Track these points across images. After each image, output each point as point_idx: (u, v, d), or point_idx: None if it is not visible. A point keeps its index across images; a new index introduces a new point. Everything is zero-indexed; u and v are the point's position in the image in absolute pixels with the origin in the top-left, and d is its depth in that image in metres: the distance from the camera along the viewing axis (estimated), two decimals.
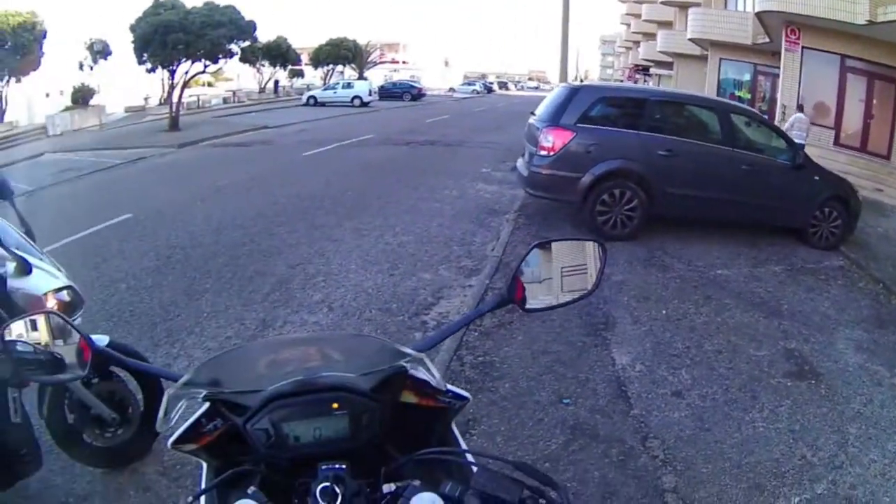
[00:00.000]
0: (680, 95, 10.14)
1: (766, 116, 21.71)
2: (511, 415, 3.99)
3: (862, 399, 4.74)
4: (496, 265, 6.33)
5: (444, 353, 4.34)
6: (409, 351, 1.24)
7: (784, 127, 13.07)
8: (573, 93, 8.01)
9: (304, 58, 56.38)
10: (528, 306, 1.51)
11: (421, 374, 1.24)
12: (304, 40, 57.47)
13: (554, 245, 1.59)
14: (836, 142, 17.56)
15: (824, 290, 7.28)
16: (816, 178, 8.79)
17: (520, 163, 8.33)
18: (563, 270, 1.61)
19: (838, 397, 4.63)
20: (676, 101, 9.10)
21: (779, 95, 18.71)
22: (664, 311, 5.74)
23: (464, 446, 1.29)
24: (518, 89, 80.00)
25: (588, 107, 7.84)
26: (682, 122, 8.41)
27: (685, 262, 7.31)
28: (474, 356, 4.48)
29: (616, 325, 5.32)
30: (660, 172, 7.75)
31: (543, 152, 7.69)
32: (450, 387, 1.27)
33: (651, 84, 49.35)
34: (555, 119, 7.82)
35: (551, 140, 7.65)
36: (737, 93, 26.90)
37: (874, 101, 17.49)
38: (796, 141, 9.93)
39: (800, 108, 14.29)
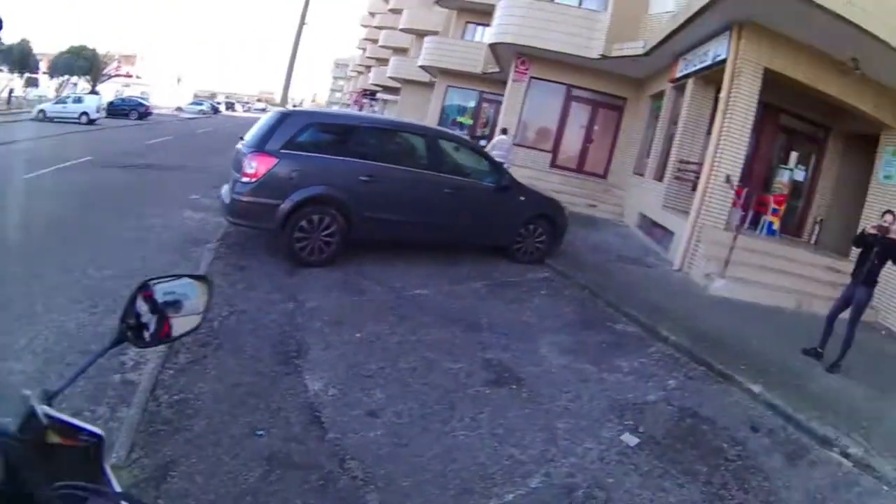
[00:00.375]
0: (388, 122, 11.50)
1: (484, 141, 23.79)
2: (208, 452, 4.10)
3: (568, 396, 5.50)
4: None
5: (141, 394, 4.47)
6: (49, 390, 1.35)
7: (487, 148, 15.53)
8: (282, 118, 8.52)
9: (44, 65, 51.72)
10: (141, 342, 1.68)
11: (60, 414, 1.31)
12: (49, 45, 54.34)
13: (161, 283, 1.72)
14: (553, 164, 21.04)
15: (527, 301, 8.34)
16: (522, 198, 10.20)
17: (224, 190, 8.93)
18: (170, 307, 1.74)
19: (542, 398, 5.34)
20: (384, 127, 10.12)
21: (499, 121, 21.53)
22: (358, 335, 6.15)
23: (116, 488, 1.34)
24: (245, 111, 79.57)
25: (295, 133, 8.30)
26: (389, 148, 9.26)
27: (383, 284, 8.04)
28: (170, 395, 4.56)
29: (309, 351, 5.63)
30: (359, 197, 8.41)
31: (246, 179, 8.04)
32: (85, 425, 1.34)
33: (377, 108, 52.08)
34: (260, 145, 8.20)
35: (254, 166, 8.01)
36: (459, 119, 31.07)
37: (596, 127, 21.28)
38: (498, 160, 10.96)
39: (503, 132, 16.91)
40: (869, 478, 5.44)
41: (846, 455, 5.70)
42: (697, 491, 4.54)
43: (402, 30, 41.38)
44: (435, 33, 33.87)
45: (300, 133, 8.35)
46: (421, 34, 35.98)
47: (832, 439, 5.86)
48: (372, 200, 8.54)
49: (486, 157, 10.42)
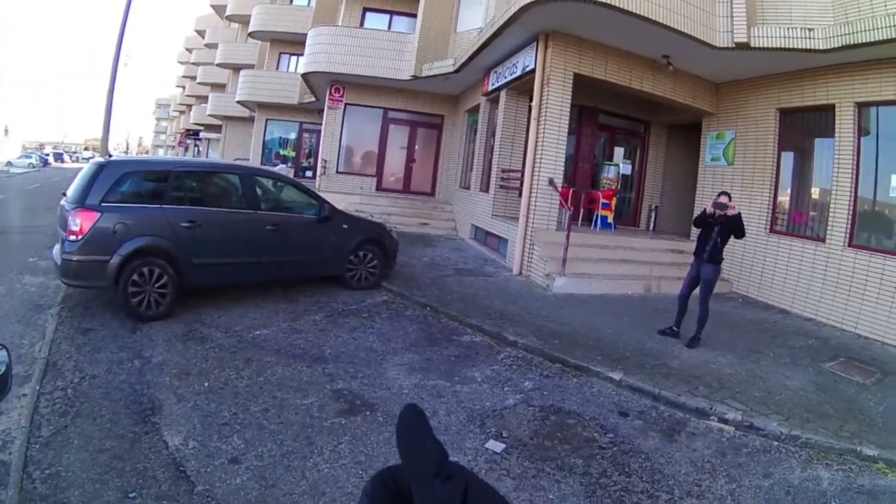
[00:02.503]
0: (203, 164, 10.75)
1: (309, 172, 22.96)
2: None
3: (425, 413, 4.62)
4: (44, 367, 6.07)
5: (15, 474, 4.20)
6: None
7: None
8: (98, 170, 7.98)
9: None
10: None
11: None
12: None
13: None
14: (379, 187, 20.95)
15: (369, 327, 8.16)
16: (345, 226, 10.01)
17: (55, 250, 8.35)
18: None
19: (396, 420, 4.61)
20: (200, 170, 9.54)
21: (320, 150, 21.28)
22: (206, 384, 5.89)
23: None
24: (73, 161, 73.82)
25: (113, 184, 7.86)
26: (207, 191, 8.99)
27: (223, 329, 7.63)
28: (41, 470, 4.29)
29: (163, 407, 5.37)
30: (185, 245, 8.09)
31: (72, 237, 7.54)
32: None
33: (201, 149, 49.34)
34: (81, 200, 7.74)
35: (78, 223, 7.54)
36: (282, 152, 30.43)
37: (416, 147, 21.41)
38: None
39: (283, 161, 15.66)
40: (755, 437, 5.61)
41: (725, 421, 5.83)
42: (577, 483, 4.52)
43: (218, 65, 39.54)
44: (250, 66, 33.20)
45: (119, 184, 7.91)
46: (237, 68, 35.05)
47: (707, 409, 5.98)
48: (198, 246, 8.26)
49: (304, 189, 10.07)
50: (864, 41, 9.18)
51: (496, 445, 4.99)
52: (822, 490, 4.77)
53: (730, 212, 7.80)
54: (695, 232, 8.82)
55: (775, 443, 5.50)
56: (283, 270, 9.40)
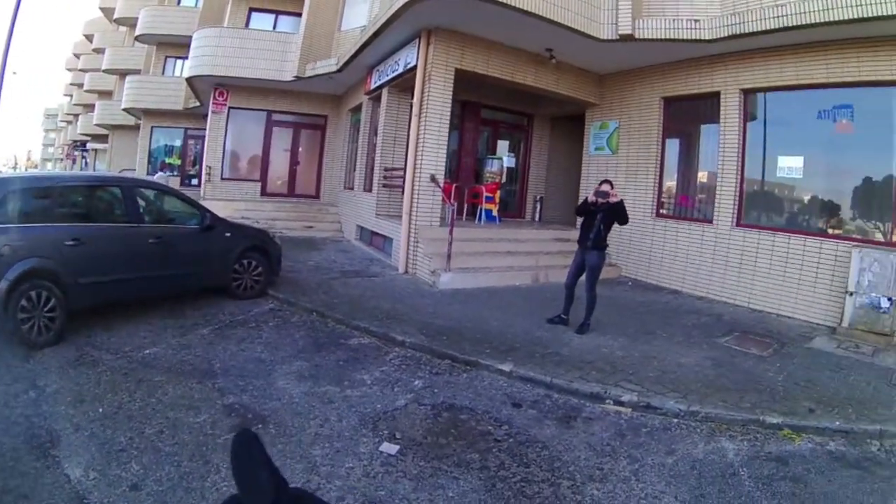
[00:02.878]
0: (85, 178, 9.99)
1: (195, 180, 21.84)
2: None
3: (317, 422, 5.27)
4: None
5: None
6: None
7: None
8: None
9: None
10: None
11: None
12: None
13: None
14: (264, 192, 20.16)
15: (256, 337, 7.80)
16: (228, 234, 9.56)
17: None
18: None
19: (291, 430, 5.10)
20: (82, 185, 8.82)
21: (205, 157, 20.36)
22: (101, 409, 5.48)
23: None
24: None
25: None
26: (90, 206, 8.36)
27: (114, 351, 7.10)
28: None
29: (60, 438, 4.95)
30: (70, 264, 7.44)
31: None
32: None
33: (88, 161, 46.84)
34: None
35: None
36: (167, 160, 28.62)
37: (300, 149, 20.78)
38: None
39: (164, 169, 14.78)
40: (654, 417, 5.55)
41: (621, 404, 5.71)
42: (475, 478, 4.36)
43: (105, 71, 36.72)
44: (138, 72, 30.31)
45: (2, 203, 7.31)
46: (124, 74, 31.76)
47: (601, 393, 5.86)
48: (83, 265, 7.59)
49: (186, 198, 9.63)
50: (751, 31, 9.38)
51: (390, 447, 4.81)
52: (728, 461, 4.72)
53: (612, 199, 7.81)
54: (579, 221, 8.70)
55: (675, 420, 5.45)
56: (170, 284, 8.90)
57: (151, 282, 8.49)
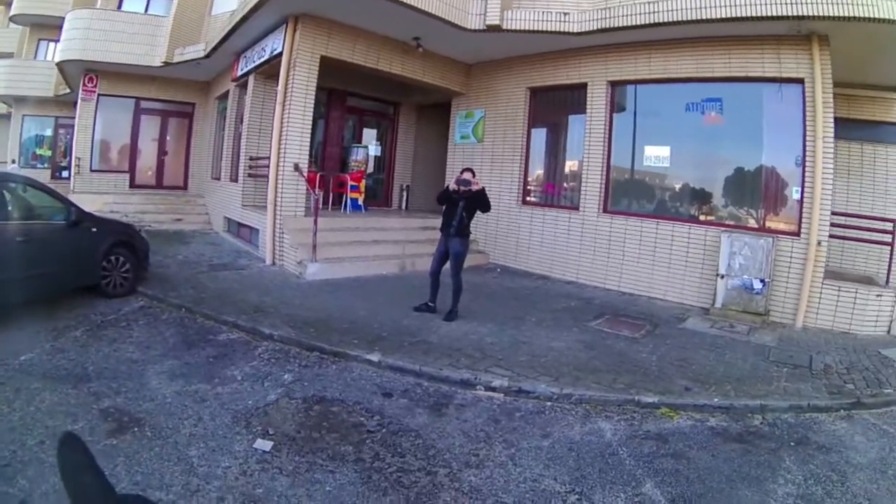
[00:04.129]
0: None
1: (66, 172, 20.75)
2: None
3: (191, 421, 5.00)
4: None
5: None
6: None
7: None
8: None
9: None
10: None
11: None
12: None
13: None
14: (133, 184, 18.50)
15: (127, 336, 7.28)
16: (94, 229, 8.71)
17: None
18: None
19: (166, 431, 4.80)
20: None
21: (74, 148, 18.48)
22: None
23: None
24: None
25: None
26: None
27: None
28: None
29: None
30: None
31: None
32: None
33: None
34: None
35: None
36: (38, 151, 25.65)
37: (168, 138, 19.31)
38: None
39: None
40: (527, 401, 5.40)
41: (492, 389, 5.53)
42: (350, 471, 4.18)
43: None
44: (11, 55, 27.26)
45: None
46: None
47: (471, 379, 5.67)
48: None
49: (51, 192, 8.78)
50: (621, 25, 9.34)
51: (264, 444, 4.59)
52: (606, 441, 4.64)
53: (474, 188, 7.65)
54: (443, 208, 8.56)
55: (548, 403, 5.30)
56: (40, 285, 8.01)
57: (23, 283, 7.60)
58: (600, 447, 4.55)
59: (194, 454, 4.40)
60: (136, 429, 4.85)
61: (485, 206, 7.80)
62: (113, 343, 7.02)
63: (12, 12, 25.32)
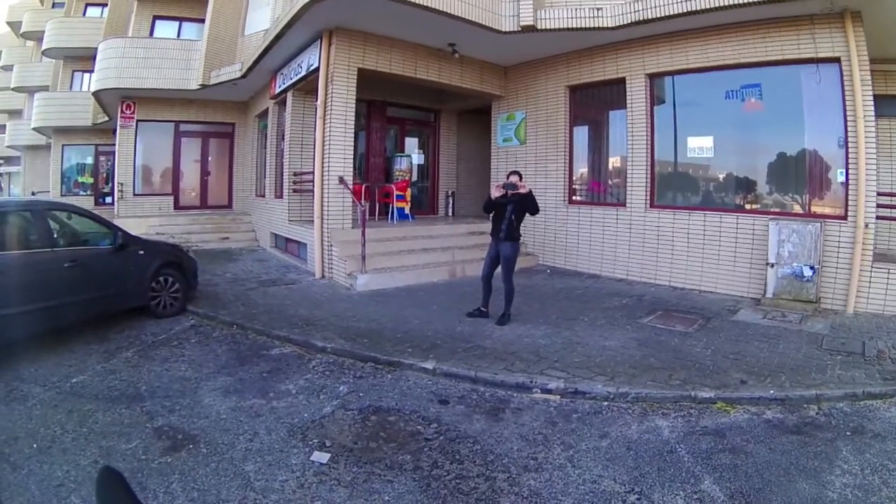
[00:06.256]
0: None
1: (109, 198, 21.61)
2: None
3: (246, 436, 5.10)
4: None
5: None
6: None
7: None
8: None
9: None
10: None
11: None
12: None
13: None
14: (177, 206, 19.31)
15: (179, 355, 7.46)
16: (141, 252, 9.06)
17: None
18: None
19: (222, 447, 4.91)
20: None
21: (116, 173, 19.31)
22: (35, 445, 5.14)
23: None
24: None
25: None
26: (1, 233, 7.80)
27: (41, 383, 6.67)
28: None
29: (0, 479, 4.62)
30: None
31: None
32: None
33: (2, 185, 44.57)
34: None
35: None
36: (80, 179, 26.79)
37: (210, 159, 20.05)
38: None
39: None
40: (583, 402, 5.41)
41: (549, 391, 5.57)
42: (409, 480, 4.22)
43: (14, 88, 34.86)
44: (46, 88, 28.81)
45: None
46: (33, 91, 30.06)
47: (527, 383, 5.72)
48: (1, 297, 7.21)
49: (97, 218, 9.11)
50: (654, 16, 9.34)
51: (321, 456, 4.63)
52: (664, 439, 4.65)
53: (521, 191, 7.72)
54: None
55: (605, 403, 5.33)
56: (89, 308, 8.32)
57: (72, 307, 7.93)
58: (658, 445, 4.57)
59: (251, 469, 4.53)
60: (190, 446, 4.98)
61: (533, 208, 7.85)
62: (165, 362, 7.22)
63: (44, 46, 26.54)
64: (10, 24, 38.94)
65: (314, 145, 12.14)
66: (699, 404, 5.21)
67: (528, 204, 7.80)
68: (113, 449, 5.01)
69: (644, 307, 8.73)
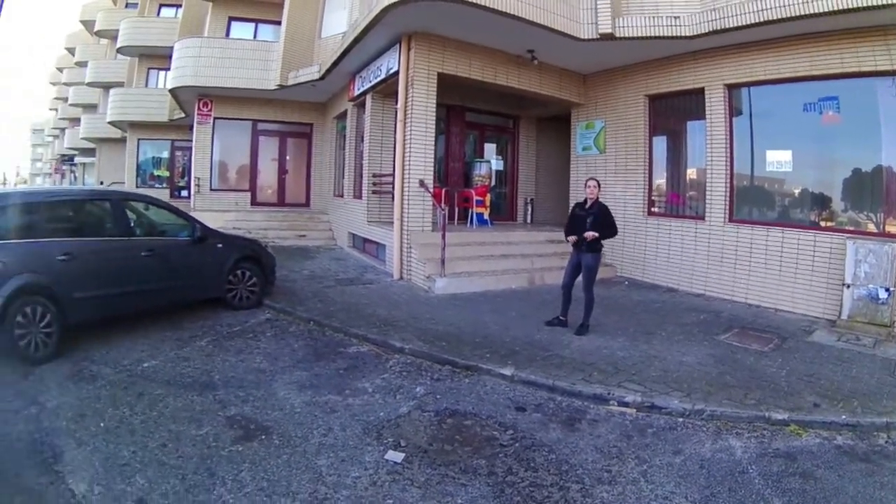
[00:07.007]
0: (72, 192, 10.07)
1: (185, 192, 23.02)
2: None
3: (320, 431, 5.26)
4: None
5: None
6: None
7: None
8: None
9: None
10: None
11: None
12: None
13: None
14: (254, 202, 20.16)
15: (255, 347, 7.81)
16: (220, 245, 9.61)
17: None
18: None
19: (295, 440, 5.09)
20: (69, 199, 8.82)
21: (193, 168, 20.26)
22: (102, 424, 5.45)
23: None
24: None
25: None
26: (80, 220, 8.29)
27: (112, 365, 7.06)
28: None
29: (63, 454, 4.91)
30: (64, 279, 7.42)
31: None
32: None
33: (77, 175, 46.98)
34: None
35: None
36: (155, 172, 28.71)
37: (287, 158, 20.84)
38: None
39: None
40: (659, 416, 5.55)
41: (625, 404, 5.73)
42: (483, 485, 4.34)
43: (88, 84, 36.70)
44: (121, 84, 30.54)
45: None
46: (108, 87, 32.01)
47: (604, 395, 5.88)
48: (76, 280, 7.55)
49: (176, 210, 9.62)
50: (731, 26, 9.44)
51: (396, 456, 4.77)
52: (736, 459, 4.73)
53: (589, 197, 8.03)
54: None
55: (680, 419, 5.46)
56: (165, 296, 8.88)
57: (147, 295, 8.48)
58: (730, 465, 4.62)
59: (323, 463, 4.65)
60: (263, 436, 5.16)
61: (610, 229, 8.05)
62: (240, 353, 7.50)
63: (119, 44, 28.19)
64: (83, 22, 41.40)
65: (394, 148, 12.57)
66: (772, 426, 5.28)
67: (605, 222, 7.96)
68: (182, 434, 5.25)
69: (721, 324, 8.75)
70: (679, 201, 12.04)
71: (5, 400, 6.11)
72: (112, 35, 32.38)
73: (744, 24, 9.26)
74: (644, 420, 5.45)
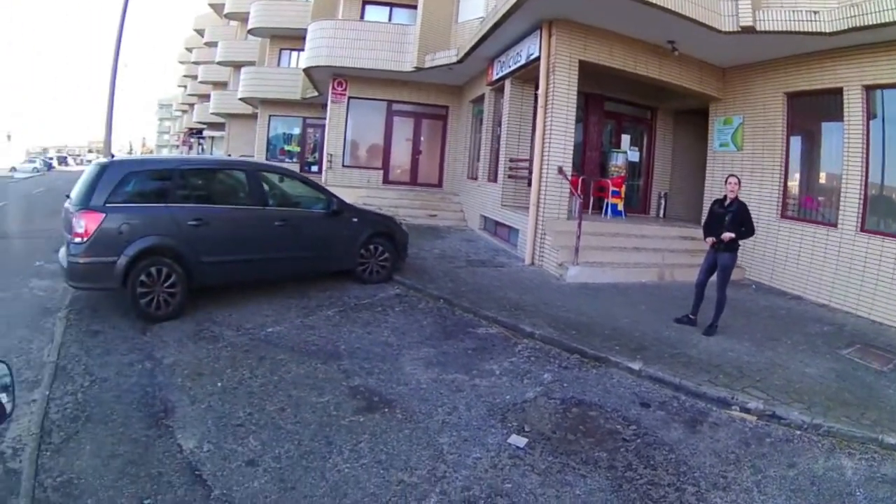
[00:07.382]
0: (207, 161, 11.13)
1: (315, 167, 24.77)
2: None
3: (445, 409, 5.41)
4: (54, 371, 6.02)
5: (26, 482, 4.12)
6: None
7: None
8: (102, 171, 7.96)
9: None
10: None
11: None
12: None
13: None
14: (386, 180, 21.09)
15: (382, 321, 8.16)
16: (355, 219, 10.08)
17: (61, 253, 8.28)
18: None
19: (418, 416, 5.26)
20: (204, 167, 9.64)
21: (325, 145, 21.48)
22: (219, 384, 5.86)
23: None
24: (78, 164, 74.14)
25: (117, 184, 7.84)
26: (213, 188, 9.04)
27: (234, 328, 7.62)
28: (53, 478, 4.20)
29: (175, 409, 5.31)
30: (192, 243, 8.12)
31: (77, 239, 7.53)
32: None
33: (204, 147, 51.90)
34: (85, 201, 7.70)
35: (83, 225, 7.52)
36: (286, 147, 30.66)
37: (422, 139, 21.56)
38: None
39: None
40: (778, 427, 5.60)
41: (747, 411, 5.83)
42: (602, 478, 4.49)
43: (219, 63, 39.87)
44: (251, 63, 33.47)
45: (122, 184, 7.90)
46: (238, 65, 35.04)
47: (728, 399, 5.99)
48: (206, 244, 8.26)
49: (312, 184, 10.25)
50: (870, 23, 9.14)
51: (519, 440, 4.97)
52: (846, 480, 4.73)
53: (730, 194, 8.03)
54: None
55: (798, 432, 5.50)
56: (294, 266, 9.46)
57: (276, 263, 9.09)
58: (840, 486, 4.58)
59: (445, 442, 4.82)
60: (385, 409, 5.38)
61: (749, 227, 8.01)
62: (367, 326, 7.86)
63: (250, 26, 29.81)
64: (211, 5, 45.18)
65: (532, 133, 13.04)
66: (884, 449, 5.18)
67: (744, 220, 7.95)
68: (303, 400, 5.53)
69: (844, 337, 8.52)
70: (812, 205, 11.81)
71: (120, 353, 6.55)
72: (241, 17, 34.88)
73: (885, 21, 8.91)
74: (763, 428, 5.52)
